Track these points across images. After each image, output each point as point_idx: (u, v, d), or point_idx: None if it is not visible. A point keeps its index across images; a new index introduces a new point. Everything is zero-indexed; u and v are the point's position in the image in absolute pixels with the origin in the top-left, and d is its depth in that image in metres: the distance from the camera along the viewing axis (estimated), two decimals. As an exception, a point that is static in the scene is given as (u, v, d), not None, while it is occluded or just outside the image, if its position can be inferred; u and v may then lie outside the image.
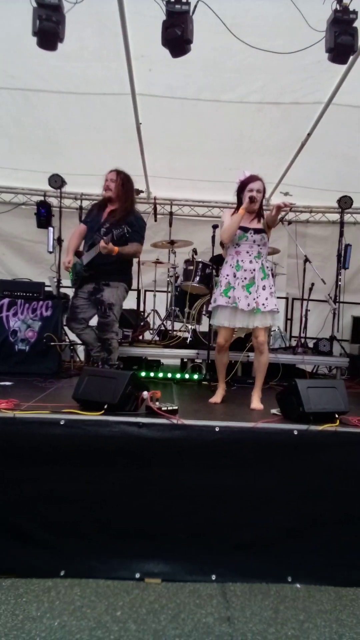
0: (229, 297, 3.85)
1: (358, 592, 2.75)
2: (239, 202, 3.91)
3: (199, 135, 5.63)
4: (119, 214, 4.20)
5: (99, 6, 3.56)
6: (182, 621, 2.41)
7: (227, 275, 3.91)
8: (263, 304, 3.80)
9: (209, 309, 4.11)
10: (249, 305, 3.78)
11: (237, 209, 3.90)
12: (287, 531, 2.87)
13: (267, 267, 3.96)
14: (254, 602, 2.60)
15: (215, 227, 5.19)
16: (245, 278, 3.84)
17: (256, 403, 3.82)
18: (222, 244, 4.18)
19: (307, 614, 2.53)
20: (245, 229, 3.88)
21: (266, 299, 3.82)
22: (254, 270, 3.86)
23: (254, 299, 3.79)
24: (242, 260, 3.89)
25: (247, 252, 3.90)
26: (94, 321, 4.44)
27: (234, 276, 3.87)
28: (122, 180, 4.26)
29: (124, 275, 4.33)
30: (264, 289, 3.83)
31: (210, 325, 5.26)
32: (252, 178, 3.88)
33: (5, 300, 5.08)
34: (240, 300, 3.79)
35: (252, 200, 3.80)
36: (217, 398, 4.05)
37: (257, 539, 2.86)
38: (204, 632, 2.33)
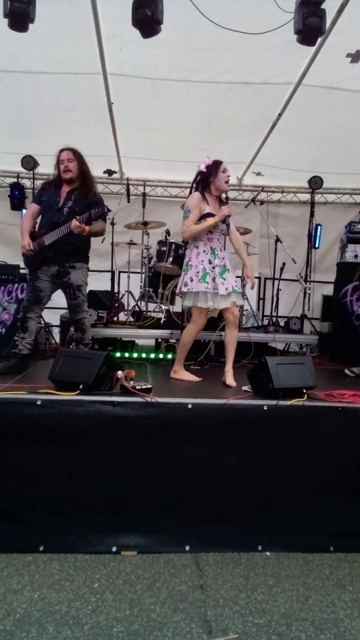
0: (207, 283, 3.93)
1: (324, 558, 2.88)
2: (206, 185, 4.00)
3: (171, 115, 5.65)
4: (81, 194, 4.11)
5: (68, -16, 3.53)
6: (157, 590, 2.51)
7: (202, 261, 3.98)
8: (236, 285, 4.05)
9: (180, 291, 4.13)
10: (226, 289, 3.94)
11: (201, 192, 3.96)
12: (256, 502, 2.98)
13: (227, 257, 4.15)
14: (226, 570, 2.72)
15: (187, 208, 5.22)
16: (219, 266, 3.98)
17: (231, 380, 3.94)
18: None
19: (275, 579, 2.65)
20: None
21: (235, 281, 4.08)
22: (224, 258, 4.06)
23: (229, 283, 3.98)
24: (215, 248, 4.02)
25: (218, 240, 4.06)
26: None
27: (210, 263, 3.96)
28: (80, 159, 4.15)
29: (85, 256, 4.30)
30: (231, 273, 4.05)
31: (182, 306, 5.34)
32: (221, 164, 3.99)
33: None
34: (220, 287, 3.93)
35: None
36: (191, 376, 4.17)
37: (228, 510, 2.97)
38: (178, 599, 2.44)
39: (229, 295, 3.98)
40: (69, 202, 4.07)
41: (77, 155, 4.11)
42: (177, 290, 4.22)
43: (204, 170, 4.00)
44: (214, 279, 3.93)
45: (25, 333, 4.16)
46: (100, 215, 4.00)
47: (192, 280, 3.97)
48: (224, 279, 3.96)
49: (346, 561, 2.86)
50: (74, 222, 3.87)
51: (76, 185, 4.13)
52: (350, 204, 7.91)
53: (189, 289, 4.00)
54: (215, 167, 3.96)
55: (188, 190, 7.76)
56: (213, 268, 3.95)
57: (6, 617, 2.26)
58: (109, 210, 4.07)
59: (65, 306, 4.33)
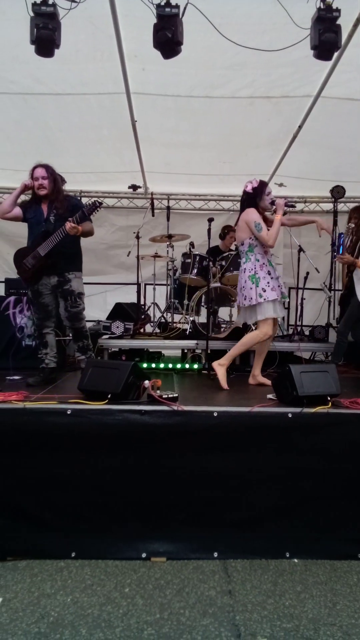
0: (276, 291, 4.14)
1: (352, 565, 2.90)
2: (256, 205, 4.16)
3: (193, 130, 5.76)
4: (61, 206, 4.18)
5: (92, 10, 3.67)
6: (186, 595, 2.57)
7: (269, 272, 4.18)
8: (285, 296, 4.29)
9: (256, 302, 4.13)
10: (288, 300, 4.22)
11: (256, 208, 4.15)
12: (282, 509, 3.01)
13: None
14: (254, 577, 2.76)
15: (211, 220, 5.32)
16: (276, 277, 4.22)
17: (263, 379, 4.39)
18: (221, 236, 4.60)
19: (303, 585, 2.68)
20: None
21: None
22: (275, 267, 4.27)
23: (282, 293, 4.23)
24: (271, 260, 4.27)
25: (270, 253, 4.30)
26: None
27: (269, 274, 4.18)
28: (52, 175, 4.18)
29: (80, 265, 4.41)
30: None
31: (208, 317, 5.42)
32: (266, 184, 4.22)
33: (12, 298, 5.24)
34: (282, 293, 4.22)
35: (292, 206, 4.18)
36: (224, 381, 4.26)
37: (255, 517, 3.01)
38: (207, 604, 2.49)
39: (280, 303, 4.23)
40: (53, 211, 4.17)
41: (50, 172, 4.16)
42: (247, 303, 4.17)
43: (250, 191, 4.17)
44: (280, 288, 4.18)
45: (47, 348, 4.31)
46: (92, 210, 4.09)
47: (265, 291, 4.10)
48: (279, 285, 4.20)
49: (374, 568, 2.88)
50: (69, 224, 3.97)
51: (52, 199, 4.19)
52: (373, 212, 7.87)
53: (265, 299, 4.09)
54: (260, 188, 4.16)
55: (211, 202, 7.96)
56: (275, 279, 4.18)
57: (40, 619, 2.34)
58: (100, 204, 4.17)
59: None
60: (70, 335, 4.46)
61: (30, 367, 4.74)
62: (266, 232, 4.07)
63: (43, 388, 3.85)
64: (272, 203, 4.14)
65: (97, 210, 4.15)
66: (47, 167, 4.16)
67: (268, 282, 4.10)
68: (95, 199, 4.22)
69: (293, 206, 4.03)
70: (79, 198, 4.35)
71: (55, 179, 4.19)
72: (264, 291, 4.08)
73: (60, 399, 3.24)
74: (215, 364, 4.25)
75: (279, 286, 4.16)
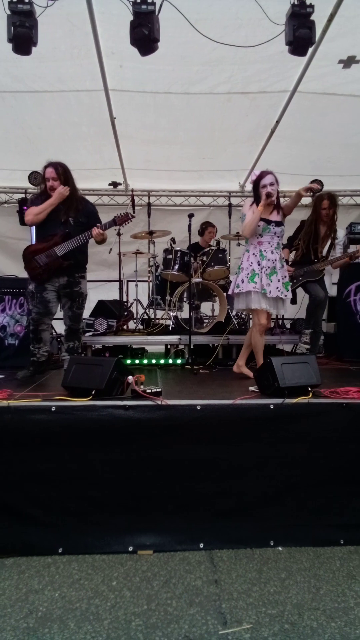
0: (256, 283, 4.09)
1: (334, 551, 2.96)
2: (257, 198, 4.11)
3: (172, 127, 5.79)
4: (78, 206, 4.17)
5: (68, 8, 3.69)
6: (173, 585, 2.60)
7: (252, 263, 4.14)
8: (283, 293, 4.15)
9: (232, 293, 4.29)
10: (271, 292, 4.08)
11: (256, 202, 4.10)
12: (266, 499, 3.07)
13: (283, 258, 4.25)
14: (239, 566, 2.80)
15: (191, 215, 5.35)
16: (268, 267, 4.11)
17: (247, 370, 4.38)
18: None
19: (288, 572, 2.73)
20: (268, 221, 4.11)
21: (280, 288, 4.15)
22: (275, 260, 4.14)
23: (276, 288, 4.11)
24: (265, 250, 4.13)
25: (269, 243, 4.15)
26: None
27: (258, 264, 4.11)
28: (63, 174, 4.12)
29: (86, 267, 4.44)
30: (280, 279, 4.15)
31: (190, 312, 5.45)
32: (263, 174, 4.12)
33: (-8, 298, 5.19)
34: (266, 288, 4.09)
35: (268, 195, 4.01)
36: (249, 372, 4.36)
37: (240, 507, 3.06)
38: (194, 594, 2.53)
39: (278, 301, 4.15)
40: (71, 214, 4.14)
41: (60, 172, 4.09)
42: (230, 292, 4.39)
43: (252, 184, 4.20)
44: (261, 280, 4.09)
45: (40, 343, 4.28)
46: (124, 221, 4.20)
47: (242, 282, 4.14)
48: (271, 281, 4.09)
49: (356, 553, 2.94)
50: (96, 230, 4.03)
51: (66, 198, 4.12)
52: (352, 206, 7.99)
53: (240, 290, 4.16)
54: (257, 181, 4.14)
55: (192, 198, 8.00)
56: (261, 269, 4.09)
57: (29, 615, 2.36)
58: (133, 217, 4.27)
59: None
60: (64, 333, 4.42)
61: (14, 366, 4.74)
62: (244, 223, 4.12)
63: (27, 386, 3.84)
64: (268, 195, 4.05)
65: (128, 222, 4.26)
66: (57, 167, 4.10)
67: (247, 274, 4.11)
68: (129, 211, 4.25)
69: (269, 195, 4.02)
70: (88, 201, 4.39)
71: (67, 178, 4.14)
72: (242, 282, 4.14)
73: (45, 396, 3.25)
74: (234, 369, 4.49)
75: (274, 282, 4.09)
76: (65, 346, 4.39)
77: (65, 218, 4.13)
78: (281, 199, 4.31)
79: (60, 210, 4.13)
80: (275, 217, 4.15)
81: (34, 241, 5.61)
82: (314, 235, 5.42)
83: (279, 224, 4.15)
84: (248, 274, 4.12)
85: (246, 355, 4.44)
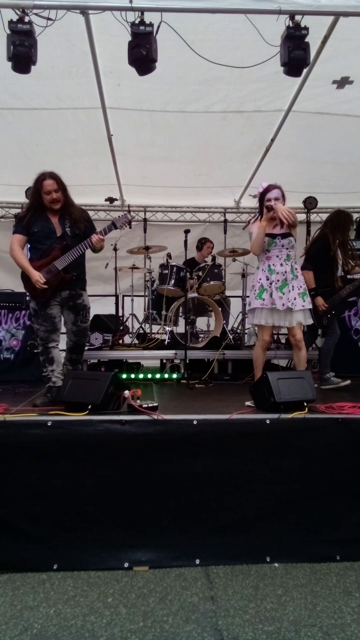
0: (263, 300, 4.07)
1: (331, 567, 2.95)
2: (262, 212, 4.11)
3: (168, 144, 5.86)
4: (72, 215, 3.94)
5: (67, 28, 3.73)
6: (169, 602, 2.59)
7: (260, 279, 4.14)
8: (293, 304, 4.02)
9: (247, 310, 4.32)
10: (283, 305, 4.01)
11: (261, 215, 4.12)
12: (262, 513, 3.06)
13: (296, 269, 4.15)
14: (236, 582, 2.79)
15: (187, 231, 5.41)
16: (278, 280, 4.07)
17: None
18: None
19: (284, 588, 2.72)
20: (273, 236, 4.10)
21: (295, 298, 4.03)
22: (285, 272, 4.08)
23: (288, 299, 4.03)
24: (273, 265, 4.10)
25: (277, 257, 4.11)
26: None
27: (267, 279, 4.09)
28: (61, 184, 3.89)
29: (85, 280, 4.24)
30: (293, 289, 4.05)
31: (186, 327, 5.48)
32: (269, 188, 4.11)
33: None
34: (277, 302, 4.03)
35: (269, 209, 4.00)
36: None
37: (236, 522, 3.05)
38: (190, 611, 2.51)
39: (290, 312, 4.05)
40: (67, 226, 3.93)
41: (59, 182, 3.87)
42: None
43: (258, 197, 4.19)
44: (271, 295, 4.05)
45: (53, 364, 3.98)
46: (125, 223, 4.04)
47: (252, 299, 4.16)
48: (283, 294, 4.03)
49: (352, 569, 2.93)
50: (96, 237, 3.84)
51: (64, 210, 3.95)
52: (347, 222, 8.06)
53: (250, 308, 4.20)
54: (261, 196, 4.13)
55: (187, 214, 8.07)
56: (270, 284, 4.07)
57: (23, 632, 2.34)
58: (132, 218, 4.12)
59: None
60: (66, 346, 4.13)
61: (9, 381, 4.72)
62: (252, 241, 4.13)
63: (23, 400, 3.83)
64: (269, 209, 4.03)
65: (128, 225, 4.11)
66: (56, 178, 3.86)
67: (255, 291, 4.13)
68: (126, 212, 4.11)
69: (268, 209, 3.98)
70: (83, 209, 4.20)
71: (65, 189, 3.92)
72: (252, 299, 4.17)
73: (41, 411, 3.25)
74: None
75: (286, 294, 4.02)
76: (67, 355, 4.12)
77: (61, 231, 3.93)
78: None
79: (52, 224, 3.93)
80: (280, 229, 4.11)
81: (29, 255, 5.50)
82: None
83: (285, 235, 4.09)
84: (256, 291, 4.13)
85: (257, 373, 4.26)
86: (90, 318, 4.22)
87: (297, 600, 2.60)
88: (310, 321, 4.26)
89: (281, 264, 4.10)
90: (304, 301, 4.06)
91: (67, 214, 3.94)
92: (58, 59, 4.23)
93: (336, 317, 5.09)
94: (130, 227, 4.18)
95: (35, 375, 5.10)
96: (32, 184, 3.92)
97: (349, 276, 5.10)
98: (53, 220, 3.93)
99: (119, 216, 4.05)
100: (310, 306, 4.14)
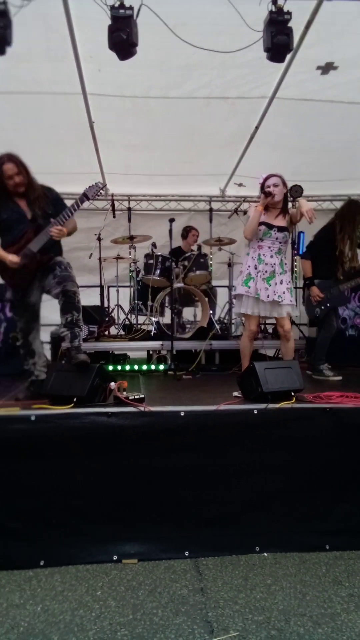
0: (249, 287, 4.06)
1: (320, 556, 2.96)
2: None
3: (151, 131, 5.77)
4: (40, 198, 3.70)
5: (44, 9, 3.63)
6: (158, 594, 2.57)
7: (249, 266, 4.12)
8: (280, 297, 4.00)
9: (232, 296, 4.28)
10: (268, 297, 4.00)
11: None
12: (251, 504, 3.05)
13: (286, 264, 4.17)
14: (225, 573, 2.78)
15: (172, 220, 5.34)
16: (265, 271, 4.05)
17: None
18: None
19: (274, 578, 2.72)
20: (270, 226, 4.06)
21: (283, 292, 4.02)
22: (274, 264, 4.06)
23: (274, 292, 4.00)
24: (263, 255, 4.09)
25: (269, 248, 4.10)
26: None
27: (255, 268, 4.07)
28: (23, 166, 3.62)
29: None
30: (281, 283, 4.04)
31: (172, 317, 5.44)
32: (269, 176, 4.10)
33: None
34: (261, 292, 4.02)
35: (266, 195, 3.99)
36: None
37: (225, 513, 3.03)
38: (180, 603, 2.49)
39: (275, 304, 4.03)
40: (36, 209, 3.68)
41: (19, 163, 3.61)
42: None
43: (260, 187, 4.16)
44: (256, 284, 4.03)
45: (34, 357, 3.85)
46: (96, 193, 3.74)
47: (238, 285, 4.15)
48: (269, 285, 4.01)
49: (342, 558, 2.94)
50: (54, 229, 3.57)
51: (27, 191, 3.69)
52: (332, 210, 7.97)
53: (235, 293, 4.18)
54: (262, 185, 4.11)
55: (172, 202, 7.99)
56: (257, 273, 4.05)
57: (10, 631, 2.30)
58: (104, 185, 3.89)
59: (55, 323, 4.15)
60: (59, 305, 3.65)
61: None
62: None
63: (4, 395, 3.76)
64: (267, 196, 4.01)
65: (100, 194, 3.81)
66: (15, 160, 3.59)
67: (243, 278, 4.11)
68: (98, 182, 3.77)
69: (267, 194, 3.95)
70: (50, 187, 3.88)
71: (27, 170, 3.64)
72: (238, 285, 4.16)
73: (24, 406, 3.19)
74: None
75: (272, 286, 4.00)
76: (62, 320, 3.64)
77: (31, 214, 3.68)
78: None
79: (21, 208, 3.69)
80: (279, 222, 4.09)
81: None
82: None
83: (281, 229, 4.08)
84: (243, 277, 4.11)
85: (244, 363, 4.25)
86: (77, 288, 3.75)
87: (287, 590, 2.60)
88: (297, 313, 4.26)
89: (271, 256, 4.08)
90: (292, 296, 4.09)
91: (34, 195, 3.68)
92: (35, 41, 4.11)
93: (332, 311, 4.98)
94: (99, 195, 3.88)
95: (17, 369, 5.00)
96: None
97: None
98: (21, 204, 3.69)
99: (89, 186, 3.76)
100: (294, 303, 4.13)
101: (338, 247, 4.73)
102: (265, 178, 4.12)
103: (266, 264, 4.05)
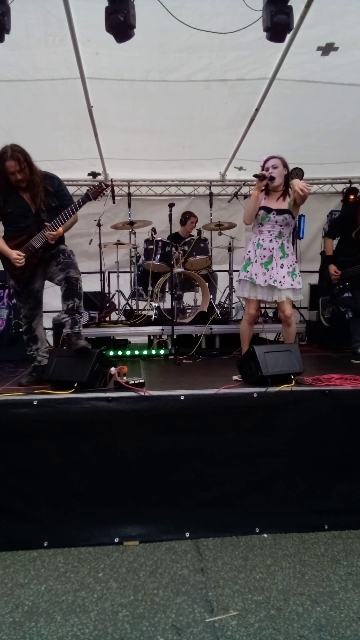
0: (247, 272, 4.06)
1: (319, 536, 3.00)
2: (267, 186, 4.02)
3: (150, 115, 5.71)
4: (43, 191, 3.67)
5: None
6: (159, 575, 2.61)
7: (249, 251, 4.12)
8: (280, 282, 3.96)
9: (237, 280, 4.27)
10: (265, 281, 3.97)
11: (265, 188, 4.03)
12: (251, 486, 3.09)
13: (287, 247, 4.09)
14: (225, 554, 2.82)
15: (172, 205, 5.33)
16: (264, 256, 4.02)
17: None
18: None
19: (273, 558, 2.76)
20: (268, 210, 4.01)
21: (283, 277, 3.97)
22: (273, 249, 4.02)
23: (270, 276, 3.97)
24: (262, 239, 4.06)
25: (269, 232, 4.05)
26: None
27: (254, 253, 4.07)
28: (26, 162, 3.57)
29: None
30: (281, 267, 3.99)
31: (172, 303, 5.45)
32: (269, 158, 4.05)
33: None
34: (258, 277, 4.00)
35: (260, 177, 3.93)
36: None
37: (225, 495, 3.07)
38: (180, 583, 2.54)
39: (273, 289, 4.00)
40: (40, 202, 3.67)
41: (22, 160, 3.54)
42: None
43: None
44: (253, 268, 4.03)
45: (37, 342, 3.88)
46: (98, 194, 3.76)
47: (240, 270, 4.15)
48: (267, 270, 3.99)
49: (340, 538, 2.98)
50: (50, 235, 3.59)
51: (30, 185, 3.66)
52: (332, 193, 8.02)
53: (239, 277, 4.19)
54: (261, 168, 4.06)
55: (172, 187, 7.95)
56: (256, 258, 4.04)
57: (15, 609, 2.35)
58: (107, 186, 3.81)
59: (57, 309, 4.17)
60: (61, 291, 3.68)
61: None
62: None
63: (7, 380, 3.80)
64: (265, 178, 3.96)
65: (103, 195, 3.84)
66: (18, 157, 3.52)
67: (244, 262, 4.12)
68: (101, 182, 3.84)
69: (259, 177, 3.90)
70: (53, 176, 3.84)
71: (30, 164, 3.60)
72: (240, 272, 4.17)
73: (26, 391, 3.22)
74: None
75: (269, 270, 3.97)
76: (63, 306, 3.67)
77: (35, 207, 3.68)
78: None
79: (25, 201, 3.68)
80: (279, 204, 4.01)
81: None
82: None
83: (281, 212, 3.99)
84: (244, 262, 4.12)
85: (244, 348, 4.24)
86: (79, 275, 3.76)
87: (286, 570, 2.64)
88: (300, 297, 4.21)
89: (270, 240, 4.04)
90: (293, 280, 4.00)
91: (38, 189, 3.66)
92: (33, 27, 4.07)
93: (350, 291, 4.94)
94: (103, 195, 3.87)
95: (20, 354, 5.05)
96: None
97: None
98: (25, 197, 3.69)
99: (91, 187, 3.81)
100: (300, 287, 4.06)
101: (359, 226, 4.70)
102: (265, 160, 4.07)
103: (264, 248, 4.03)
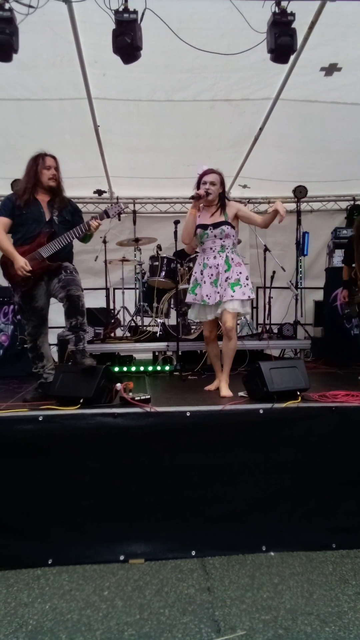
0: (196, 295, 4.02)
1: (327, 555, 2.96)
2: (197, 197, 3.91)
3: (156, 134, 5.81)
4: (61, 203, 3.78)
5: (50, 16, 3.66)
6: (165, 594, 2.58)
7: (195, 272, 4.08)
8: (222, 295, 3.86)
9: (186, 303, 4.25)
10: (216, 299, 3.88)
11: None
12: (257, 503, 3.06)
13: (232, 258, 3.92)
14: (232, 572, 2.78)
15: (177, 222, 5.36)
16: (211, 275, 3.93)
17: (225, 391, 3.80)
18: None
19: (280, 577, 2.72)
20: (204, 227, 3.96)
21: (225, 289, 3.84)
22: (218, 265, 3.90)
23: (218, 293, 3.87)
24: (207, 258, 3.99)
25: (211, 249, 3.97)
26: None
27: (201, 273, 4.00)
28: (59, 167, 3.77)
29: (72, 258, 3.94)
30: (226, 280, 3.86)
31: (177, 319, 5.46)
32: (207, 172, 3.94)
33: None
34: (210, 297, 3.91)
35: (195, 198, 3.86)
36: (212, 386, 4.19)
37: (231, 513, 3.04)
38: (187, 602, 2.50)
39: (218, 304, 3.90)
40: (55, 212, 3.73)
41: (57, 161, 3.78)
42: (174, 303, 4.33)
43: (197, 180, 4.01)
44: (201, 289, 3.97)
45: (43, 360, 3.86)
46: (118, 213, 3.89)
47: (188, 292, 4.12)
48: (217, 287, 3.87)
49: (348, 557, 2.94)
50: (95, 222, 3.68)
51: (52, 194, 3.77)
52: (336, 211, 8.06)
53: (186, 300, 4.17)
54: (198, 181, 3.97)
55: (177, 205, 8.02)
56: (203, 278, 3.98)
57: (18, 629, 2.32)
58: (125, 207, 3.98)
59: (61, 325, 4.16)
60: (64, 309, 3.65)
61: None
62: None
63: (12, 396, 3.79)
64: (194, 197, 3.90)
65: (123, 212, 3.99)
66: (56, 159, 3.77)
67: (191, 285, 4.11)
68: (119, 202, 4.00)
69: (194, 198, 3.84)
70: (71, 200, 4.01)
71: (59, 173, 3.79)
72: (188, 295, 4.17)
73: (32, 407, 3.21)
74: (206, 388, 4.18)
75: (217, 291, 3.88)
76: (67, 324, 3.62)
77: (50, 216, 3.69)
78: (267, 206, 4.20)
79: (42, 208, 3.69)
80: (213, 219, 3.92)
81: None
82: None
83: (217, 225, 3.88)
84: (191, 285, 4.10)
85: (217, 368, 4.24)
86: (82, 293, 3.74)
87: (294, 589, 2.60)
88: (247, 310, 4.10)
89: (214, 257, 3.93)
90: (234, 292, 3.81)
91: (58, 198, 3.75)
92: (41, 48, 4.16)
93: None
94: (119, 219, 4.09)
95: (25, 370, 5.05)
96: (28, 162, 3.79)
97: None
98: (43, 204, 3.71)
99: (111, 204, 3.98)
100: (243, 297, 3.85)
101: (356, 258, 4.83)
102: (203, 172, 3.93)
103: (210, 267, 3.93)
